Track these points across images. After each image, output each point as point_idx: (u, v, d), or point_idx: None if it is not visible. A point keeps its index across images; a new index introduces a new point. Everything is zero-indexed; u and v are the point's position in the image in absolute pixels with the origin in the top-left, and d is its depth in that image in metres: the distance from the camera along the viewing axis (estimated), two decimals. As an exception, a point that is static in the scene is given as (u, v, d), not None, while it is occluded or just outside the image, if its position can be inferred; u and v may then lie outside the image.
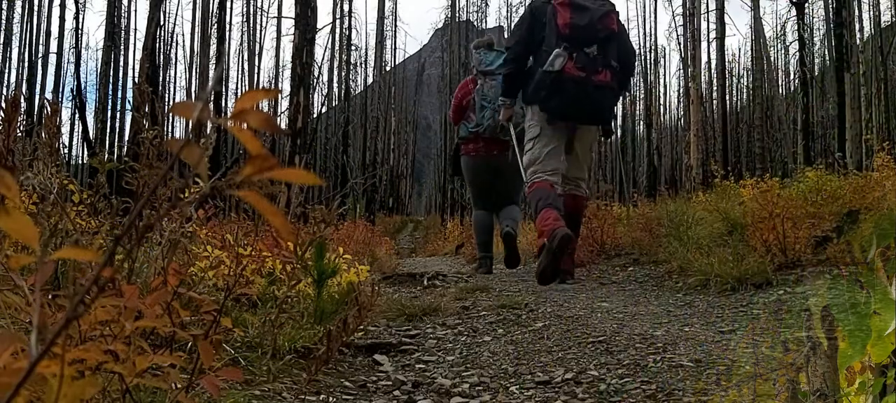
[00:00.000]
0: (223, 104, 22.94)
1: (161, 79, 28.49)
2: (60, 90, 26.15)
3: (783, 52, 33.45)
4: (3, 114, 1.47)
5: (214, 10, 19.34)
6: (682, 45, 24.76)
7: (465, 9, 33.48)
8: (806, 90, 17.39)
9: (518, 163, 4.19)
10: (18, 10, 27.35)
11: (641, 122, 33.65)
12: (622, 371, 1.93)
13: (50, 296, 0.91)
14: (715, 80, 24.80)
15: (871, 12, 23.28)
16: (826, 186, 5.11)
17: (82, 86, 23.82)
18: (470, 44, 31.93)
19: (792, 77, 31.82)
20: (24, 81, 25.66)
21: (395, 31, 33.13)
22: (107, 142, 24.00)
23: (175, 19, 53.35)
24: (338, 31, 27.69)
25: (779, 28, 34.51)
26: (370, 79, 32.24)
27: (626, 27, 4.08)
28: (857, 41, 17.81)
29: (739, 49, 64.26)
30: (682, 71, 27.88)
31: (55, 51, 26.17)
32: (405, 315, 2.91)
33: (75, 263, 1.27)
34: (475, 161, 4.59)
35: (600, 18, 3.74)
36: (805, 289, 3.16)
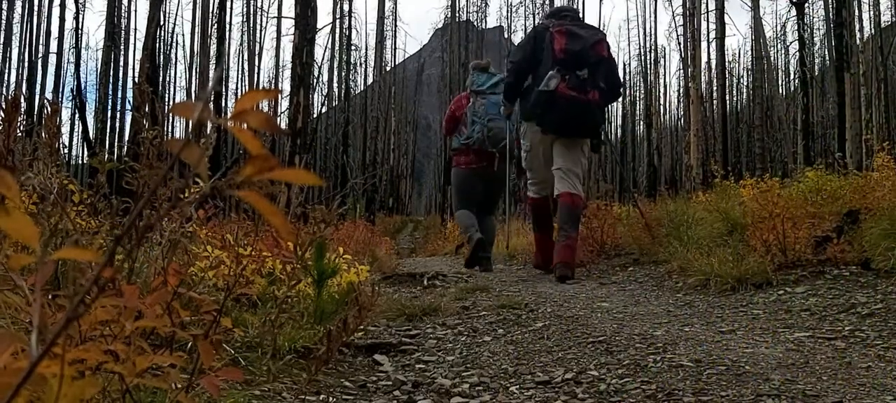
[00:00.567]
0: (223, 104, 22.97)
1: (161, 79, 28.52)
2: (60, 90, 26.17)
3: (783, 52, 33.49)
4: (3, 114, 1.47)
5: (214, 10, 19.35)
6: (682, 45, 24.76)
7: (465, 9, 33.51)
8: (806, 90, 17.39)
9: (502, 174, 4.93)
10: (18, 10, 27.39)
11: (641, 122, 33.66)
12: (622, 371, 1.93)
13: (50, 296, 0.91)
14: (715, 80, 24.80)
15: (871, 12, 23.29)
16: (826, 186, 5.11)
17: (82, 86, 23.81)
18: (470, 43, 31.77)
19: (792, 77, 31.85)
20: (24, 81, 25.69)
21: (395, 31, 33.14)
22: (107, 142, 24.01)
23: (175, 19, 53.36)
24: (338, 31, 27.72)
25: (779, 28, 34.54)
26: (370, 79, 32.25)
27: (614, 54, 4.57)
28: (857, 41, 17.81)
29: (739, 49, 64.21)
30: (682, 71, 27.87)
31: (55, 51, 26.20)
32: (405, 315, 2.91)
33: (75, 263, 1.28)
34: (466, 171, 5.06)
35: (592, 46, 4.24)
36: (805, 289, 3.16)
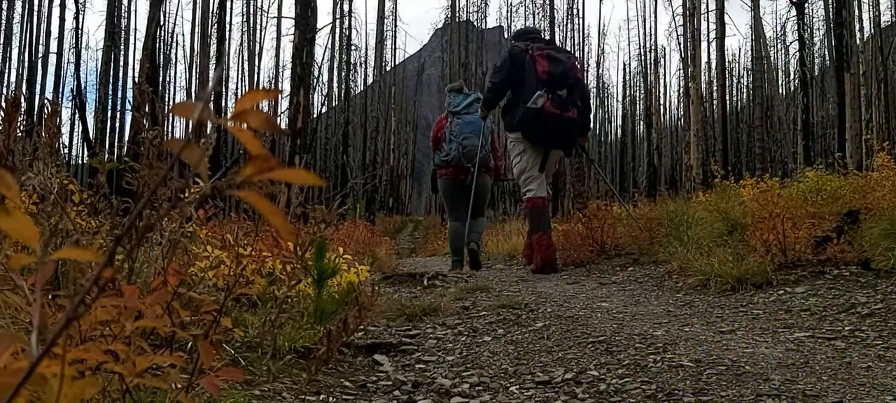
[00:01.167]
0: (223, 104, 22.97)
1: (161, 79, 28.51)
2: (60, 90, 26.16)
3: (783, 52, 33.49)
4: (3, 114, 1.47)
5: (214, 10, 19.34)
6: (682, 45, 24.77)
7: (465, 9, 33.52)
8: (806, 90, 17.39)
9: (481, 182, 5.53)
10: (18, 10, 27.38)
11: (641, 122, 33.65)
12: (622, 371, 1.93)
13: (50, 296, 0.91)
14: (715, 80, 24.79)
15: (871, 12, 23.28)
16: (826, 186, 5.10)
17: (82, 86, 23.80)
18: (470, 43, 31.76)
19: (792, 77, 31.86)
20: (24, 81, 25.68)
21: (395, 31, 33.14)
22: (107, 142, 24.01)
23: (175, 19, 53.32)
24: (338, 31, 27.70)
25: (779, 28, 34.55)
26: (370, 79, 32.23)
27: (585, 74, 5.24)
28: (857, 41, 17.80)
29: (739, 49, 64.30)
30: (682, 71, 27.87)
31: (55, 51, 26.19)
32: (405, 315, 2.91)
33: (75, 263, 1.27)
34: (446, 182, 5.71)
35: (571, 68, 4.86)
36: (805, 289, 3.16)
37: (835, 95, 17.30)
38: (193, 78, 27.54)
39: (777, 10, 62.34)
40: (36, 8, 27.10)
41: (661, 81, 34.79)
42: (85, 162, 23.01)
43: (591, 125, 5.63)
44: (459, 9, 31.91)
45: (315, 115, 27.11)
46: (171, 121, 20.70)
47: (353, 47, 29.14)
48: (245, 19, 28.79)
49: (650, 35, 46.25)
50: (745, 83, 34.98)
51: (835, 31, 15.21)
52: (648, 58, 32.27)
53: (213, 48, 19.48)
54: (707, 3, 21.79)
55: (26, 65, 26.17)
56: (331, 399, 1.71)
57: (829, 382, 1.78)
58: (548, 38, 5.36)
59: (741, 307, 3.04)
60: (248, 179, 0.41)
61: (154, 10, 12.56)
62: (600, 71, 37.74)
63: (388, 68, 32.82)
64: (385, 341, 2.37)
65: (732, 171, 7.75)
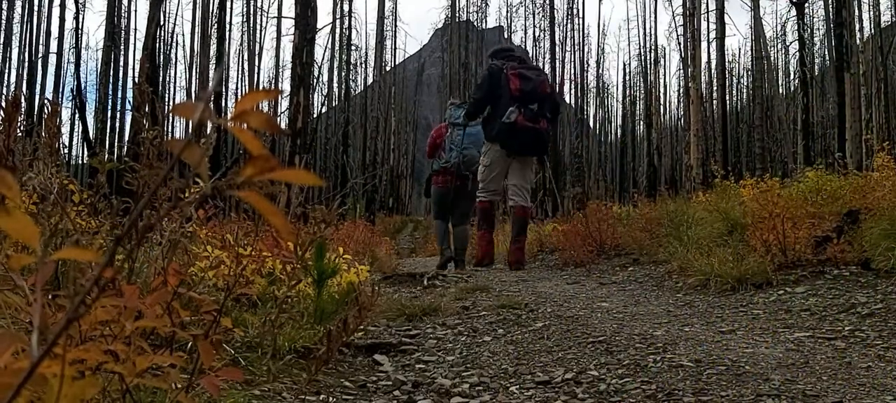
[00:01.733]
0: (223, 104, 22.96)
1: (161, 79, 28.51)
2: (60, 90, 26.16)
3: (783, 52, 33.48)
4: (3, 114, 1.47)
5: (214, 10, 19.34)
6: (682, 45, 24.76)
7: (465, 9, 33.52)
8: (806, 90, 17.39)
9: (472, 191, 5.89)
10: (18, 10, 27.38)
11: (641, 122, 33.65)
12: (622, 371, 1.93)
13: (50, 296, 0.91)
14: (715, 80, 24.79)
15: (871, 12, 23.27)
16: (826, 186, 5.10)
17: (82, 86, 23.79)
18: (470, 43, 31.70)
19: (792, 77, 31.84)
20: (24, 81, 25.68)
21: (395, 31, 33.13)
22: (107, 142, 24.00)
23: (175, 19, 53.28)
24: (338, 31, 27.70)
25: (779, 28, 34.54)
26: (370, 79, 32.21)
27: (556, 88, 5.88)
28: (857, 41, 17.78)
29: (739, 49, 64.26)
30: (682, 71, 27.87)
31: (55, 51, 26.19)
32: (405, 315, 2.91)
33: (75, 263, 1.28)
34: (444, 188, 6.15)
35: (540, 85, 5.38)
36: (805, 289, 3.16)
37: (835, 95, 17.30)
38: (193, 78, 27.56)
39: (777, 10, 62.35)
40: (36, 8, 27.12)
41: (661, 81, 34.80)
42: (85, 162, 23.00)
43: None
44: (459, 9, 31.92)
45: (315, 115, 27.10)
46: (171, 121, 20.69)
47: (353, 47, 29.16)
48: (245, 19, 28.80)
49: (650, 35, 46.28)
50: (745, 83, 34.99)
51: (835, 31, 15.21)
52: (648, 58, 32.28)
53: (213, 48, 19.48)
54: (707, 3, 21.79)
55: (26, 65, 26.19)
56: (331, 399, 1.71)
57: (829, 382, 1.78)
58: (521, 56, 6.05)
59: (741, 307, 3.04)
60: (248, 179, 0.41)
61: (154, 10, 12.56)
62: (600, 71, 37.79)
63: (388, 68, 32.81)
64: (385, 341, 2.37)
65: (732, 171, 7.74)
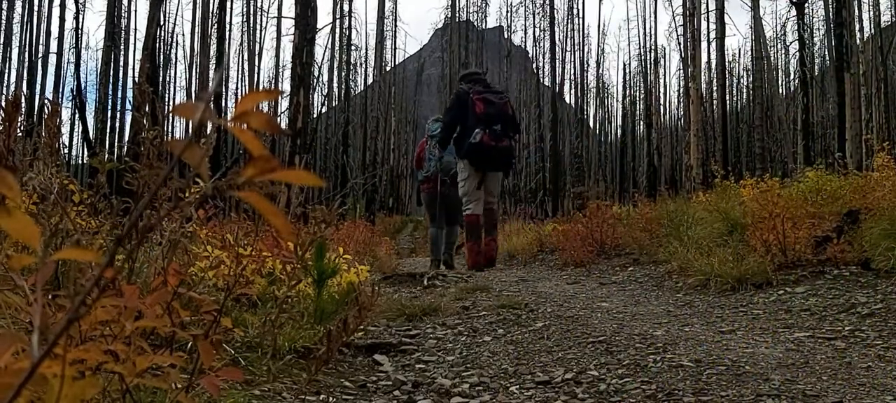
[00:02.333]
0: (223, 104, 22.96)
1: (161, 79, 28.49)
2: (60, 90, 26.14)
3: (783, 52, 33.45)
4: (3, 114, 1.47)
5: (214, 10, 19.33)
6: (682, 45, 24.75)
7: (465, 9, 33.49)
8: (806, 90, 17.38)
9: (453, 196, 6.52)
10: (18, 10, 27.37)
11: (641, 122, 33.64)
12: (622, 371, 1.93)
13: (50, 297, 0.91)
14: (715, 80, 24.78)
15: (871, 12, 23.24)
16: (826, 186, 5.10)
17: (82, 86, 23.79)
18: (470, 43, 31.65)
19: (792, 77, 31.83)
20: (24, 81, 25.67)
21: (395, 31, 33.11)
22: (107, 142, 23.99)
23: (175, 19, 53.28)
24: (338, 31, 27.68)
25: (779, 28, 34.53)
26: (370, 79, 32.19)
27: (517, 109, 6.31)
28: (857, 41, 17.78)
29: (739, 49, 64.12)
30: (682, 71, 27.86)
31: (55, 51, 26.17)
32: (405, 315, 2.91)
33: (76, 263, 1.28)
34: (429, 194, 6.88)
35: (502, 107, 6.00)
36: (805, 289, 3.16)
37: (835, 95, 17.30)
38: (193, 78, 27.54)
39: (777, 10, 62.31)
40: (36, 8, 27.10)
41: (661, 81, 34.78)
42: (85, 162, 23.00)
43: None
44: (459, 9, 31.88)
45: (315, 115, 27.10)
46: (171, 121, 20.70)
47: (353, 47, 29.13)
48: (245, 19, 28.78)
49: (650, 35, 46.17)
50: (745, 83, 34.97)
51: (835, 31, 15.21)
52: (648, 58, 32.25)
53: (213, 48, 19.47)
54: (707, 3, 21.77)
55: (26, 65, 26.17)
56: (331, 399, 1.71)
57: (829, 382, 1.78)
58: (485, 80, 6.63)
59: (741, 307, 3.04)
60: (249, 180, 0.41)
61: (154, 10, 12.55)
62: (600, 71, 37.79)
63: (388, 68, 32.79)
64: (385, 341, 2.37)
65: (732, 171, 7.74)
